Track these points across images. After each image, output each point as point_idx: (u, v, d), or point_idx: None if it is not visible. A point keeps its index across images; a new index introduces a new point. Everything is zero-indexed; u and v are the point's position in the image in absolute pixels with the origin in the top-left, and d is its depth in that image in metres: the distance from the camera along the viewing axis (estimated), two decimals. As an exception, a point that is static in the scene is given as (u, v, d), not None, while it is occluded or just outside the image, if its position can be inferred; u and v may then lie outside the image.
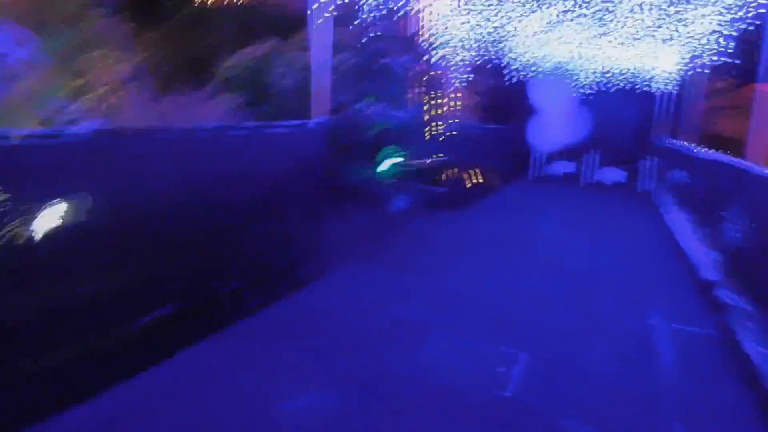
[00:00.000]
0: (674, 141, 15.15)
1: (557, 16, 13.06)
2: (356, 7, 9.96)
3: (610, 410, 3.96)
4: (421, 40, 11.08)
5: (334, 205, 7.35)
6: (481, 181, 11.78)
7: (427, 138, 10.41)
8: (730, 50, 13.26)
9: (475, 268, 7.31)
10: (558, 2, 11.20)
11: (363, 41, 9.80)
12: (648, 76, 16.96)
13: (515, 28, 14.26)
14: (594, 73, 17.12)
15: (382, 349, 4.70)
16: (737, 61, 13.41)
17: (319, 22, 7.64)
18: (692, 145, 12.70)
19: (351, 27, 9.76)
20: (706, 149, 10.61)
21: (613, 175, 17.10)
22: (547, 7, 11.55)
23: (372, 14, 9.87)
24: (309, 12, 7.65)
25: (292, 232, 6.27)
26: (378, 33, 10.02)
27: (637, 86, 17.11)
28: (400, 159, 9.62)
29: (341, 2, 9.21)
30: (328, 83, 7.62)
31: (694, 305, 6.40)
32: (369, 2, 9.87)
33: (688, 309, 6.26)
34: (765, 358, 4.51)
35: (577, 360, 4.76)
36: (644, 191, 16.39)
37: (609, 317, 5.85)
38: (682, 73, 16.49)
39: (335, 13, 9.09)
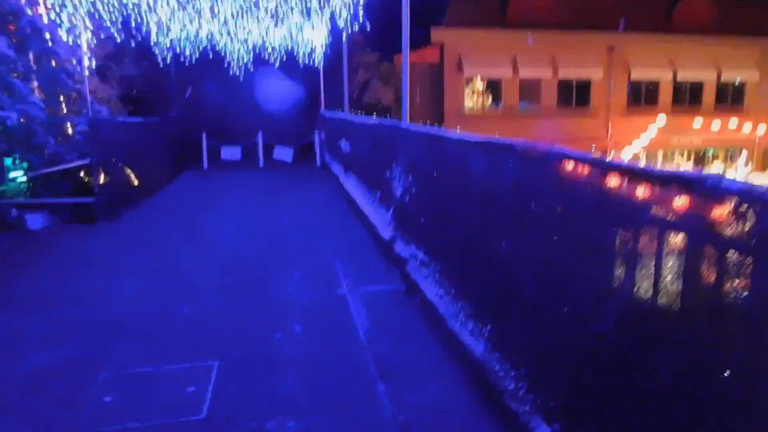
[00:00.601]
0: (338, 113, 16.52)
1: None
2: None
3: (315, 394, 3.93)
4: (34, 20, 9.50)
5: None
6: (139, 181, 10.85)
7: (59, 140, 9.03)
8: (366, 25, 14.99)
9: (144, 280, 6.60)
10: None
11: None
12: (305, 52, 18.09)
13: (150, 4, 13.51)
14: (252, 51, 17.47)
15: (38, 406, 3.81)
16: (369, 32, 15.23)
17: None
18: (353, 114, 13.99)
19: None
20: (364, 116, 11.74)
21: (288, 153, 17.86)
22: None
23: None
24: None
25: None
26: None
27: (298, 62, 18.10)
28: (20, 170, 8.12)
29: None
30: None
31: (379, 264, 6.98)
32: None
33: (374, 269, 6.79)
34: (442, 300, 5.10)
35: (274, 352, 4.64)
36: (322, 164, 17.59)
37: (301, 296, 5.93)
38: (330, 47, 18.04)
39: None
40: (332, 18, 15.64)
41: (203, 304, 5.79)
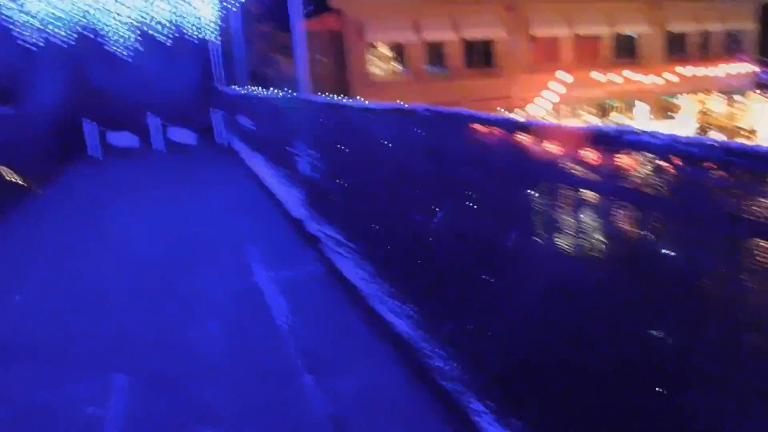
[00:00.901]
0: (236, 89, 15.92)
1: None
2: None
3: (237, 398, 3.72)
4: None
5: None
6: (17, 180, 10.00)
7: None
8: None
9: (31, 291, 6.06)
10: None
11: None
12: (192, 25, 17.20)
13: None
14: (137, 28, 16.43)
15: None
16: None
17: None
18: (252, 89, 13.50)
19: None
20: (264, 91, 11.34)
21: (184, 134, 16.92)
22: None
23: None
24: None
25: None
26: None
27: (189, 38, 17.19)
28: None
29: None
30: None
31: (293, 247, 6.76)
32: None
33: (289, 252, 6.56)
34: (361, 279, 4.99)
35: (187, 354, 4.37)
36: (222, 143, 16.94)
37: (213, 290, 5.64)
38: (223, 19, 17.28)
39: None
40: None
41: (105, 310, 5.35)
